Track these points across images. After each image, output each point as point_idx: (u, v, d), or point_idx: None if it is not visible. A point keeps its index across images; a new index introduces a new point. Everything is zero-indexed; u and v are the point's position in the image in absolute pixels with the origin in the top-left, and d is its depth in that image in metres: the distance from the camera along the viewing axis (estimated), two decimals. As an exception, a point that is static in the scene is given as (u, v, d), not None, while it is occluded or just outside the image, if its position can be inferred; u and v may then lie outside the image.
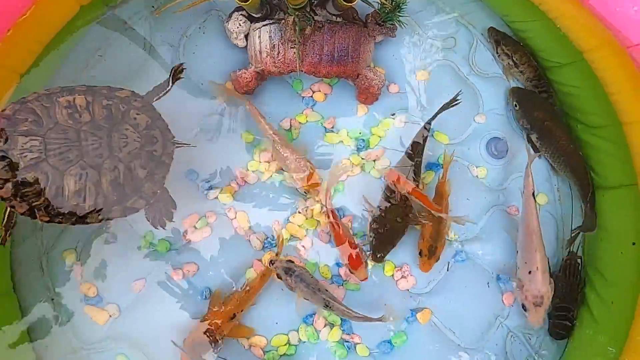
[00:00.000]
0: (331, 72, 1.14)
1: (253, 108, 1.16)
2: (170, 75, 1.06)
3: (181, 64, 1.07)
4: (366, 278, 1.10)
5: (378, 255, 1.12)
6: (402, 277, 1.17)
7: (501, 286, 1.19)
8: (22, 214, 0.93)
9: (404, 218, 1.11)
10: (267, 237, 1.17)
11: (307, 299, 1.07)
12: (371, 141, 1.23)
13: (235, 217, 1.19)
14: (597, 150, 1.17)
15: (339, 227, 1.10)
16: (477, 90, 1.26)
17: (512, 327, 1.17)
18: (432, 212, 1.11)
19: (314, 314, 1.15)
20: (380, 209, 1.13)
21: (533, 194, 1.12)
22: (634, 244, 1.10)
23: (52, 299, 1.12)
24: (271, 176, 1.20)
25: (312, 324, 1.15)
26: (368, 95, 1.20)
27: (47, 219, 0.94)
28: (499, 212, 1.22)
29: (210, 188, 1.19)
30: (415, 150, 1.15)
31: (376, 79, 1.17)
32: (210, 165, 1.21)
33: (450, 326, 1.16)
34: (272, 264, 1.10)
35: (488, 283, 1.18)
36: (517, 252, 1.13)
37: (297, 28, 1.07)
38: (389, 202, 1.12)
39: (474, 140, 1.24)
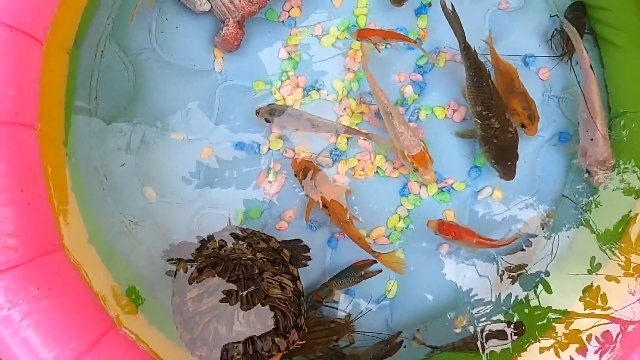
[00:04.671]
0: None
1: (371, 78, 1.18)
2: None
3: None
4: None
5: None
6: (454, 110, 1.28)
7: (532, 68, 1.30)
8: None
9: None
10: (332, 152, 1.27)
11: (298, 129, 1.21)
12: (359, 21, 1.29)
13: (295, 154, 1.27)
14: None
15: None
16: None
17: (556, 94, 1.31)
18: None
19: (406, 184, 1.27)
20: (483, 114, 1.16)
21: (590, 66, 1.18)
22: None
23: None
24: (300, 105, 1.28)
25: (409, 193, 1.27)
26: (336, -17, 1.24)
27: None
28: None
29: (259, 146, 1.27)
30: None
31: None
32: (246, 127, 1.27)
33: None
34: (258, 113, 1.21)
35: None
36: (579, 122, 1.21)
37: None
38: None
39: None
